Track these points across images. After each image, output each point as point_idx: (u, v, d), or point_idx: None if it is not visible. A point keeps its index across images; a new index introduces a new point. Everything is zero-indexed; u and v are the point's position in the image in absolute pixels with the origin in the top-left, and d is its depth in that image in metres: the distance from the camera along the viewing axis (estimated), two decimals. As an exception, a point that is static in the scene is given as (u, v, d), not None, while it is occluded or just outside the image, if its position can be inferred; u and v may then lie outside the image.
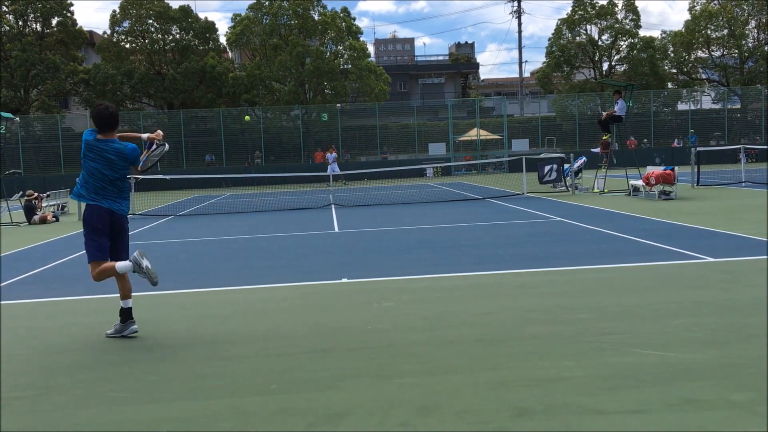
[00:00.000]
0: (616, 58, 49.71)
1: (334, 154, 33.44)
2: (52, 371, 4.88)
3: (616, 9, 48.32)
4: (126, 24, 44.54)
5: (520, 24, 58.27)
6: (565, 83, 50.42)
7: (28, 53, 41.29)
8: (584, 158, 22.34)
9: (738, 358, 4.47)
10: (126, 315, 5.71)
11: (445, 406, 3.86)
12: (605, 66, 50.07)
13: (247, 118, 40.44)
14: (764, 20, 46.86)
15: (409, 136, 43.54)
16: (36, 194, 18.91)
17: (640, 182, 17.42)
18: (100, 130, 5.59)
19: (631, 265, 8.01)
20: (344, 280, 7.92)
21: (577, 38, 49.22)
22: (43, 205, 19.66)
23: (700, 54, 49.39)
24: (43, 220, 17.91)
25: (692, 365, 4.37)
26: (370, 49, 57.79)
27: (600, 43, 49.35)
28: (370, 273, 8.37)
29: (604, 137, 19.47)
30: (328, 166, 31.88)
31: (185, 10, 44.87)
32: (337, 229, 13.37)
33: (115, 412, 4.02)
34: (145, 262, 5.45)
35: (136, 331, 5.68)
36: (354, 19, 45.97)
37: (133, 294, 7.53)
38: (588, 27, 49.45)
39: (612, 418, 3.59)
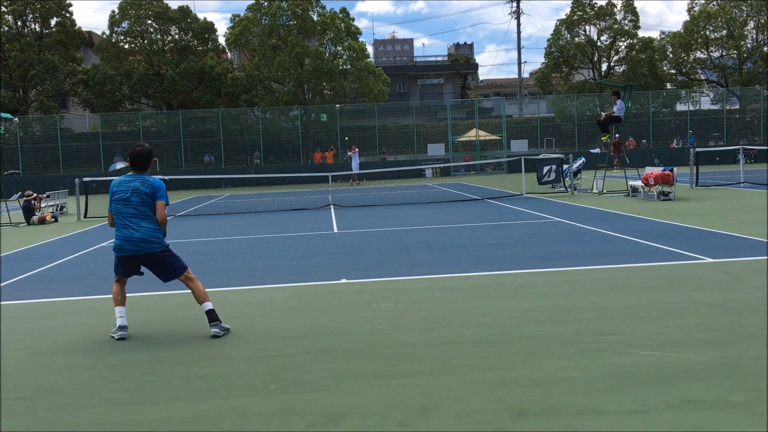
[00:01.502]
0: (615, 58, 49.73)
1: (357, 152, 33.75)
2: (51, 372, 4.88)
3: (615, 10, 48.36)
4: (125, 24, 44.49)
5: (519, 24, 58.32)
6: (564, 84, 50.42)
7: (26, 53, 41.26)
8: (583, 159, 22.34)
9: (737, 359, 4.48)
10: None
11: (444, 406, 3.86)
12: (604, 67, 50.09)
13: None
14: (763, 21, 46.88)
15: (408, 136, 43.54)
16: (35, 195, 18.89)
17: (639, 183, 17.44)
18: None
19: (629, 265, 8.02)
20: (343, 280, 7.92)
21: (576, 39, 49.23)
22: (42, 205, 19.64)
23: (698, 55, 49.40)
24: (42, 221, 17.90)
25: (691, 366, 4.38)
26: (369, 49, 57.79)
27: (599, 43, 49.36)
28: (369, 273, 8.37)
29: (603, 137, 19.48)
30: (353, 163, 32.33)
31: (184, 11, 44.85)
32: (336, 230, 13.37)
33: (114, 413, 4.02)
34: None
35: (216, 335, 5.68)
36: (353, 19, 45.99)
37: (131, 294, 7.56)
38: (587, 28, 49.46)
39: (611, 419, 3.59)
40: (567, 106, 45.70)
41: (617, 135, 19.07)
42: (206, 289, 7.79)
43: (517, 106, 56.75)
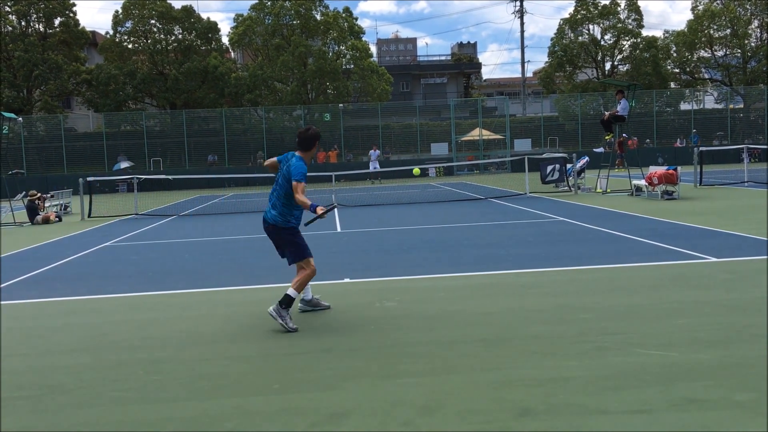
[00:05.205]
0: (618, 57, 49.65)
1: (378, 152, 34.88)
2: (54, 371, 4.89)
3: (619, 9, 48.28)
4: (128, 24, 44.59)
5: (522, 24, 58.16)
6: (567, 83, 50.36)
7: (30, 53, 41.36)
8: (587, 158, 22.30)
9: (741, 358, 4.46)
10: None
11: (447, 405, 3.86)
12: (608, 66, 50.02)
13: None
14: (767, 20, 46.76)
15: (411, 136, 43.53)
16: (39, 194, 18.93)
17: (642, 182, 17.40)
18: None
19: (633, 265, 8.00)
20: (347, 280, 7.92)
21: (580, 38, 49.16)
22: (46, 205, 19.68)
23: (702, 54, 49.29)
24: (46, 220, 17.93)
25: (695, 365, 4.37)
26: (372, 49, 57.76)
27: (602, 42, 49.28)
28: (373, 273, 8.37)
29: (607, 137, 19.45)
30: (370, 163, 33.61)
31: (187, 11, 44.91)
32: (339, 229, 13.37)
33: (117, 412, 4.02)
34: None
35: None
36: (356, 19, 45.97)
37: (134, 294, 7.59)
38: (590, 27, 49.41)
39: (615, 418, 3.58)
40: (570, 106, 45.64)
41: (624, 135, 19.01)
42: (208, 289, 7.83)
43: (520, 106, 56.69)
